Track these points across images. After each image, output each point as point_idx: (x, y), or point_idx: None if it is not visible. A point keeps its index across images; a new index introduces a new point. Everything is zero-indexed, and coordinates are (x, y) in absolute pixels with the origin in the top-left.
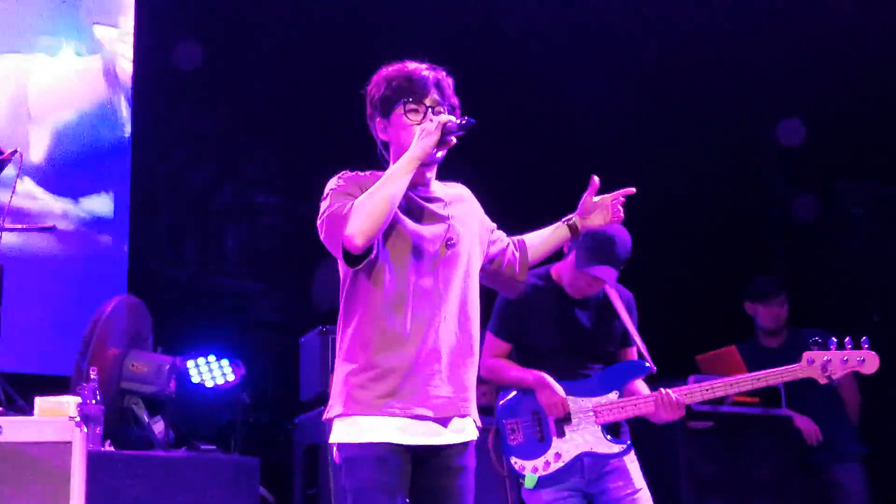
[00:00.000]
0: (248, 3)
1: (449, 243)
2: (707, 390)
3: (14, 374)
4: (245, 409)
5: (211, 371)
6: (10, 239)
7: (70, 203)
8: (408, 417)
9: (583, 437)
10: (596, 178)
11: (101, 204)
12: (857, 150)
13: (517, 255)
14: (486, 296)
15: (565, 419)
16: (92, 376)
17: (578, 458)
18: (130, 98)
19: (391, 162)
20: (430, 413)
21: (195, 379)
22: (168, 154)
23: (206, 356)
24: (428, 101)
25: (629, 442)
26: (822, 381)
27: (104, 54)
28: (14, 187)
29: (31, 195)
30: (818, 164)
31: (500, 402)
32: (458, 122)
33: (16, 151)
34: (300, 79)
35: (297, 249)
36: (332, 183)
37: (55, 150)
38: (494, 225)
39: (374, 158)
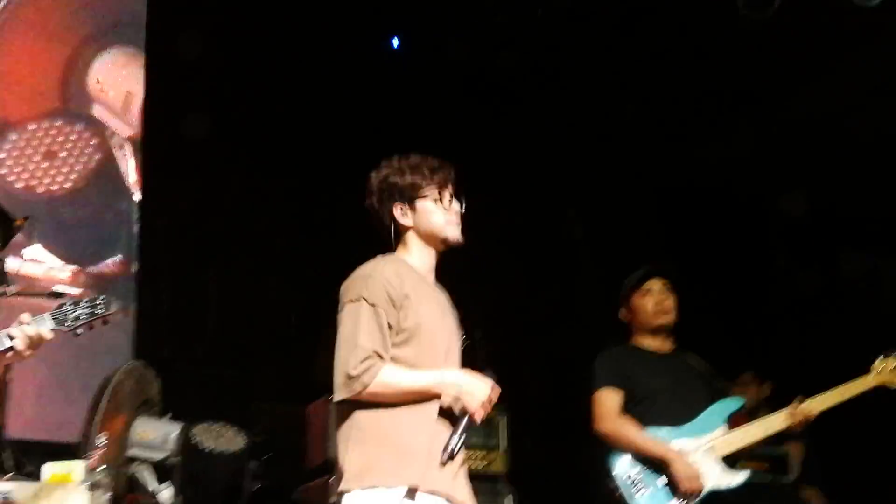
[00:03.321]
0: (256, 71)
1: (462, 338)
2: (825, 400)
3: (22, 440)
4: (252, 476)
5: (219, 438)
6: (18, 304)
7: (77, 268)
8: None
9: (708, 472)
10: None
11: (108, 269)
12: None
13: None
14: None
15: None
16: (100, 442)
17: (711, 493)
18: (140, 163)
19: (406, 245)
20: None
21: (203, 446)
22: (176, 219)
23: (214, 423)
24: (451, 189)
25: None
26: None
27: (112, 121)
28: (23, 253)
29: (39, 260)
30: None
31: (614, 461)
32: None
33: (27, 218)
34: (315, 146)
35: (305, 316)
36: (365, 285)
37: (63, 216)
38: None
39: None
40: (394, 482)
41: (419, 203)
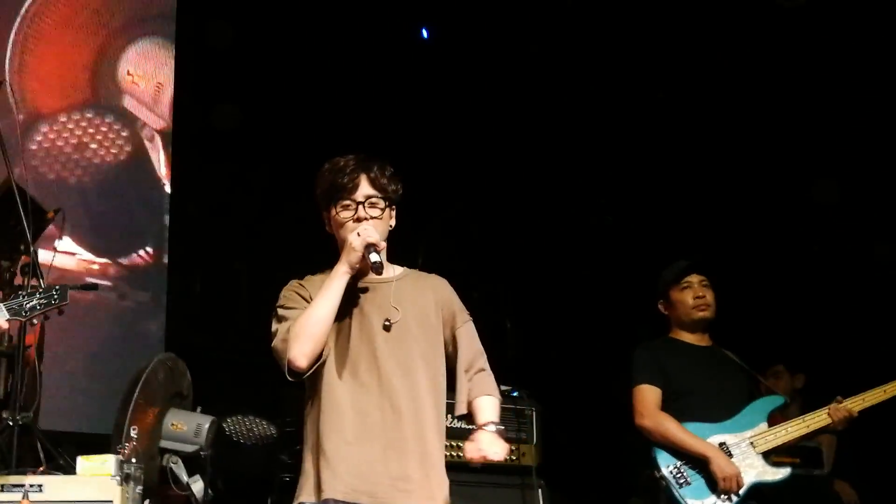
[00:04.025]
0: (286, 60)
1: (385, 324)
2: (865, 399)
3: (54, 431)
4: (284, 468)
5: (250, 429)
6: None
7: (108, 260)
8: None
9: (751, 467)
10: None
11: (139, 260)
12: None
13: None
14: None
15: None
16: (132, 435)
17: (753, 487)
18: (170, 155)
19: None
20: (367, 499)
21: (235, 437)
22: (207, 210)
23: (245, 414)
24: (359, 197)
25: (790, 469)
26: None
27: (142, 113)
28: (55, 245)
29: (71, 252)
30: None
31: (659, 452)
32: (375, 258)
33: (58, 210)
34: (344, 134)
35: None
36: (281, 297)
37: (94, 208)
38: (463, 323)
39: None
40: (315, 496)
41: (331, 212)
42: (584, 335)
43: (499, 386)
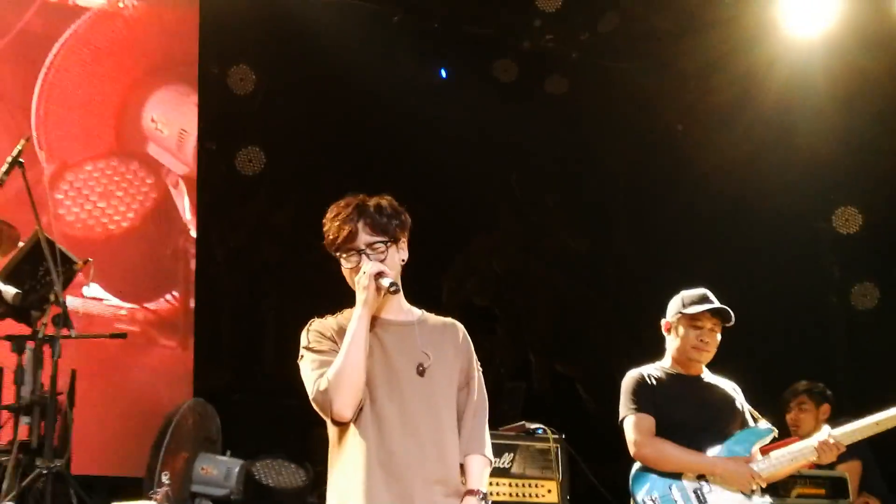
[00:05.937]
0: (302, 103)
1: (420, 370)
2: (855, 433)
3: (86, 476)
4: None
5: (280, 473)
6: (81, 344)
7: (136, 305)
8: None
9: (732, 499)
10: None
11: (166, 305)
12: None
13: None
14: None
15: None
16: (164, 480)
17: None
18: (195, 200)
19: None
20: None
21: (264, 481)
22: (232, 254)
23: (274, 458)
24: (360, 245)
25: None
26: None
27: (166, 159)
28: (83, 292)
29: (99, 298)
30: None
31: (637, 482)
32: (388, 281)
33: (88, 261)
34: (366, 176)
35: None
36: (304, 338)
37: (121, 255)
38: (477, 371)
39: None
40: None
41: (340, 261)
42: (608, 365)
43: (525, 424)
